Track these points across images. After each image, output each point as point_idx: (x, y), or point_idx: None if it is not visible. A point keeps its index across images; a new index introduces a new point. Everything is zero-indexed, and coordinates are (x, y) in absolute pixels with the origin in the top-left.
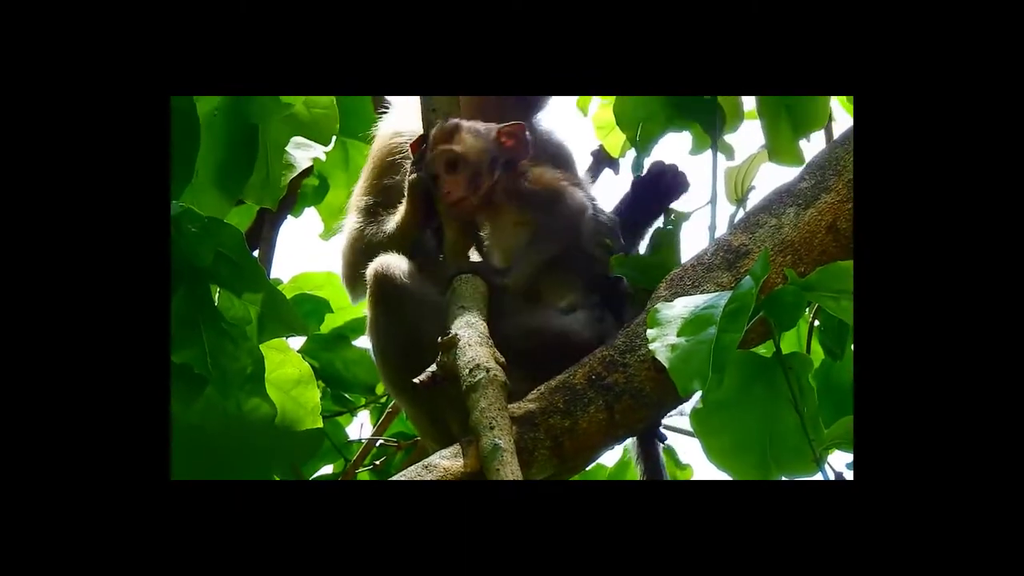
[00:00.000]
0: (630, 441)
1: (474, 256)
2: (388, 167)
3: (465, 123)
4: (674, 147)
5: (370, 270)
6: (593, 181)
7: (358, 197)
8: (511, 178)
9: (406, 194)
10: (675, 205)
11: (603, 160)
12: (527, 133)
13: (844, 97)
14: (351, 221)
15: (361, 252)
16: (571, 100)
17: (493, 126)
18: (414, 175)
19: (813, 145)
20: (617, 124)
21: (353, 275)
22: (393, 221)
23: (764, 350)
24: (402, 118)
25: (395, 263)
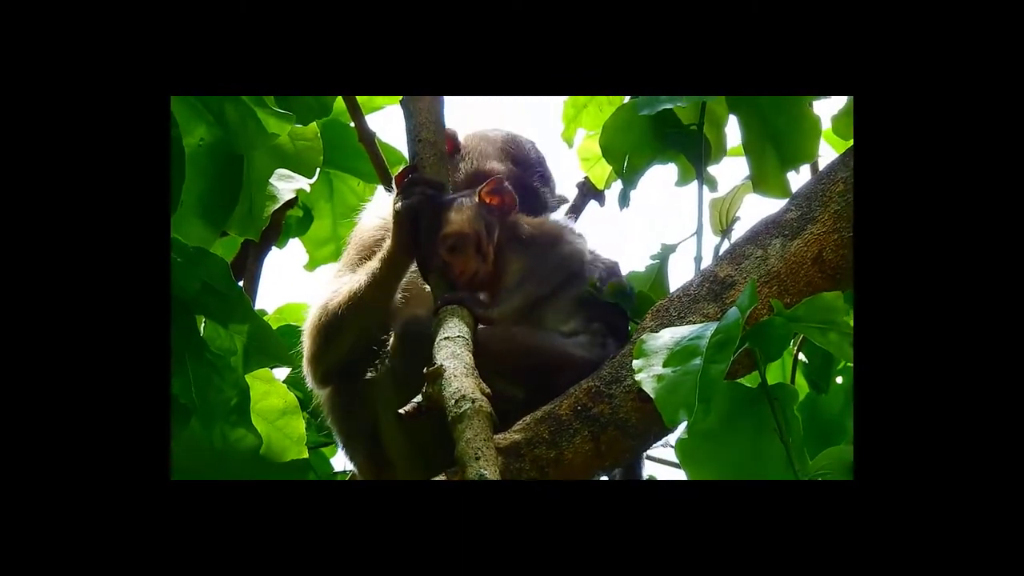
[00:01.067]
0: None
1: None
2: (372, 253)
3: (450, 202)
4: (660, 179)
5: (397, 327)
6: (578, 214)
7: (336, 274)
8: (508, 229)
9: (392, 224)
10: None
11: (589, 192)
12: (507, 184)
13: (830, 130)
14: (326, 290)
15: (336, 310)
16: (556, 132)
17: (472, 192)
18: (399, 204)
19: (797, 176)
20: (603, 156)
21: (325, 345)
22: (377, 258)
23: (749, 381)
24: (381, 211)
25: (423, 317)
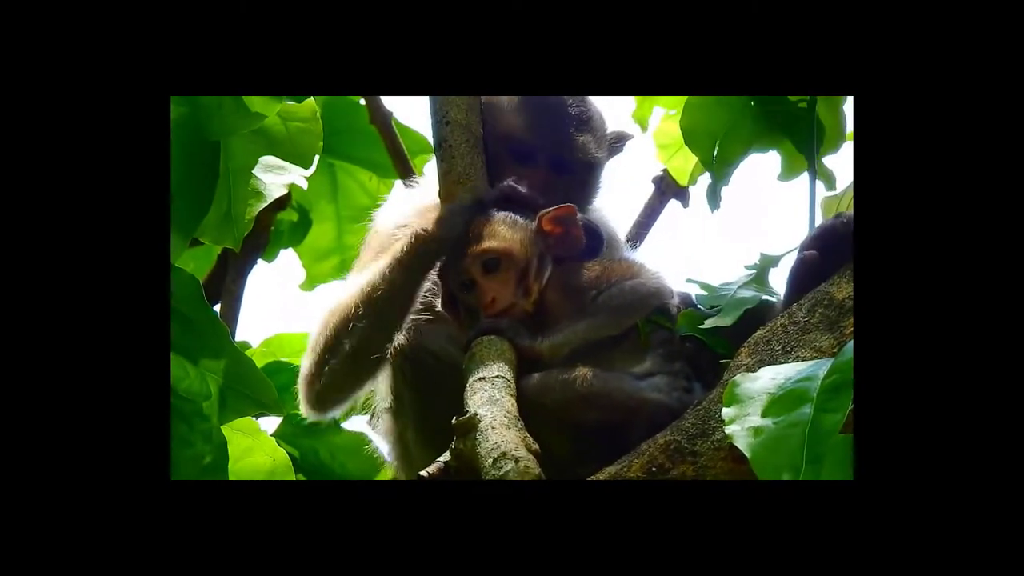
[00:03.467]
0: None
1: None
2: None
3: (498, 213)
4: (759, 170)
5: (397, 341)
6: (655, 216)
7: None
8: (565, 274)
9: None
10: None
11: (668, 190)
12: (578, 217)
13: None
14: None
15: (337, 320)
16: (627, 113)
17: (532, 213)
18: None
19: None
20: (685, 143)
21: (319, 368)
22: (391, 252)
23: None
24: (403, 209)
25: (431, 329)
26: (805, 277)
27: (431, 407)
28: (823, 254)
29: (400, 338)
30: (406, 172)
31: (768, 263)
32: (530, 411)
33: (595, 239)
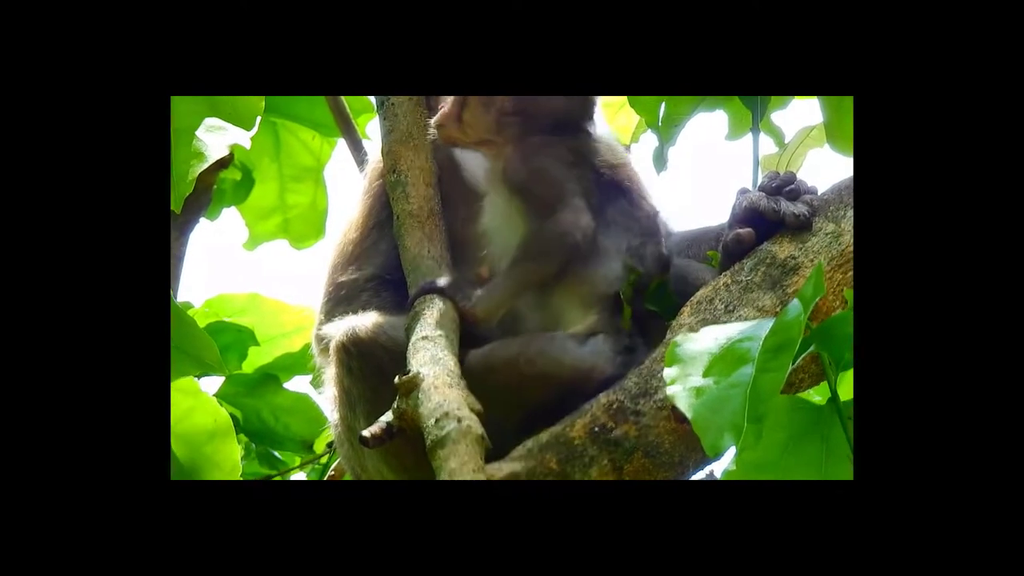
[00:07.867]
0: None
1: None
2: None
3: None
4: (706, 129)
5: (334, 342)
6: None
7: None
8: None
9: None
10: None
11: None
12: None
13: None
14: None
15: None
16: None
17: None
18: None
19: None
20: (630, 103)
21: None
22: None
23: (817, 395)
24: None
25: (362, 321)
26: (741, 254)
27: (383, 396)
28: (758, 232)
29: (341, 336)
30: (349, 131)
31: None
32: (475, 389)
33: None
